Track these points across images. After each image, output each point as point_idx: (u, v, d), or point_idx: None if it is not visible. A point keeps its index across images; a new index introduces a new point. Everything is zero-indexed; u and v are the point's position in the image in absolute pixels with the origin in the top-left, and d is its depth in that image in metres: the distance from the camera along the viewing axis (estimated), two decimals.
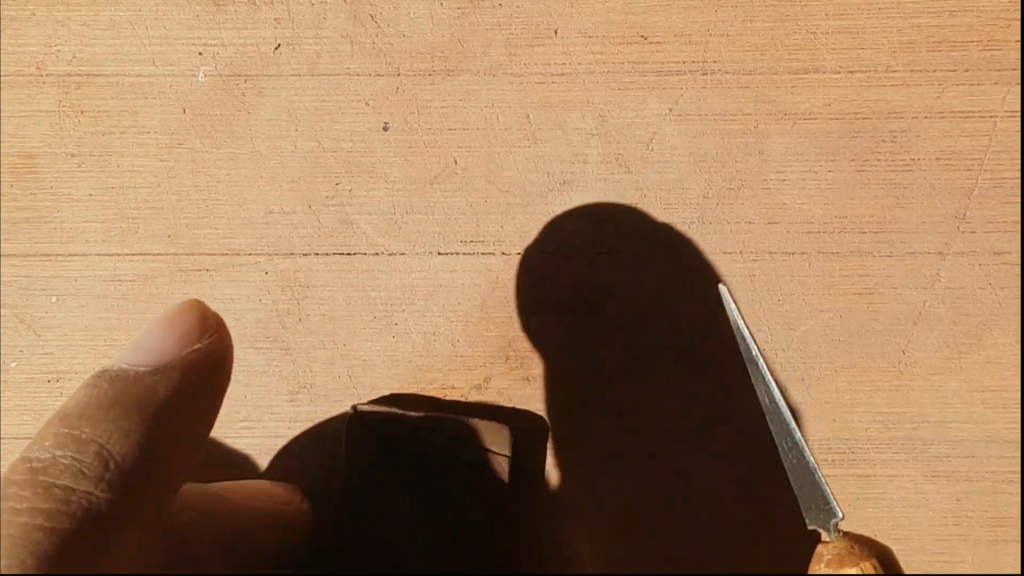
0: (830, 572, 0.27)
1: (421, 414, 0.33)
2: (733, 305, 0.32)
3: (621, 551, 0.35)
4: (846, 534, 0.28)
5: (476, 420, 0.34)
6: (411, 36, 0.36)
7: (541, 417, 0.35)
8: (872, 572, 0.26)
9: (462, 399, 0.35)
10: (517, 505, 0.34)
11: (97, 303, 0.35)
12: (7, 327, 0.35)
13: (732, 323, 0.31)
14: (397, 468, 0.33)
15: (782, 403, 0.30)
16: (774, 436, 0.30)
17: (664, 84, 0.36)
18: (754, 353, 0.31)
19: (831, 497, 0.28)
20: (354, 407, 0.34)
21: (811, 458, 0.29)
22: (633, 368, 0.35)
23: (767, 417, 0.30)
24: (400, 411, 0.33)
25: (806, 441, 0.29)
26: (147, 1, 0.36)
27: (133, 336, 0.27)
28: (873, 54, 0.35)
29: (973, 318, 0.35)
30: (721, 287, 0.32)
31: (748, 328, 0.31)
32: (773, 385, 0.30)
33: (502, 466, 0.33)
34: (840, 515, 0.28)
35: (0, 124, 0.36)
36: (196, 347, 0.26)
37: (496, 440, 0.33)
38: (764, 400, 0.30)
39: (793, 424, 0.29)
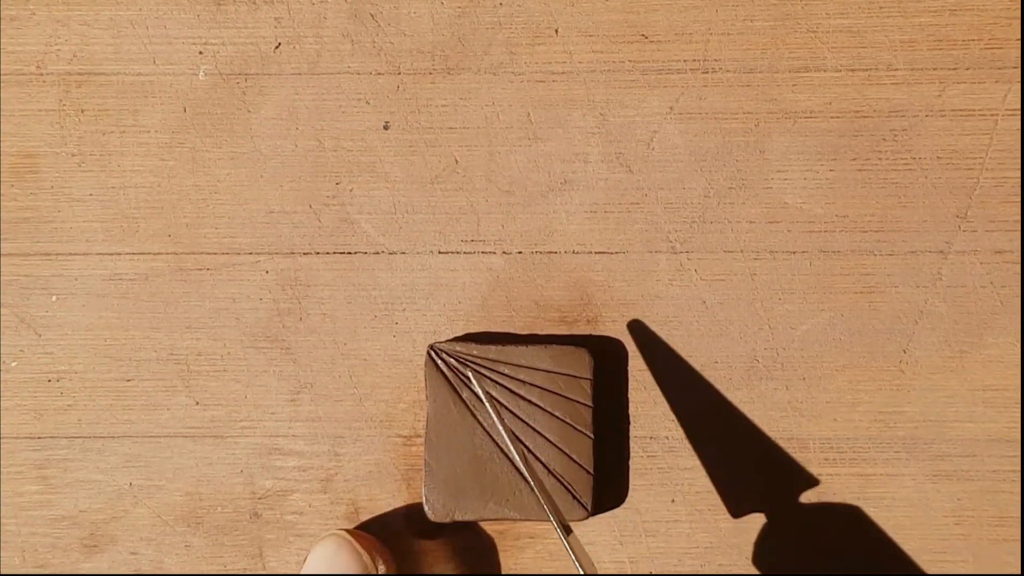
0: None
1: (497, 346, 0.34)
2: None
3: None
4: None
5: (553, 346, 0.34)
6: (412, 35, 0.36)
7: (617, 340, 0.35)
8: None
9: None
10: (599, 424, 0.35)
11: (97, 302, 0.35)
12: (7, 326, 0.35)
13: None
14: (477, 398, 0.34)
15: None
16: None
17: (665, 83, 0.36)
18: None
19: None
20: (431, 345, 0.34)
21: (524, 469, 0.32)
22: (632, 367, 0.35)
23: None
24: (476, 344, 0.34)
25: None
26: (147, 0, 0.36)
27: None
28: (874, 53, 0.35)
29: (974, 317, 0.35)
30: None
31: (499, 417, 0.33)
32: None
33: (584, 388, 0.34)
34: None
35: (0, 123, 0.36)
36: None
37: (576, 364, 0.34)
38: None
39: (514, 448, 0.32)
